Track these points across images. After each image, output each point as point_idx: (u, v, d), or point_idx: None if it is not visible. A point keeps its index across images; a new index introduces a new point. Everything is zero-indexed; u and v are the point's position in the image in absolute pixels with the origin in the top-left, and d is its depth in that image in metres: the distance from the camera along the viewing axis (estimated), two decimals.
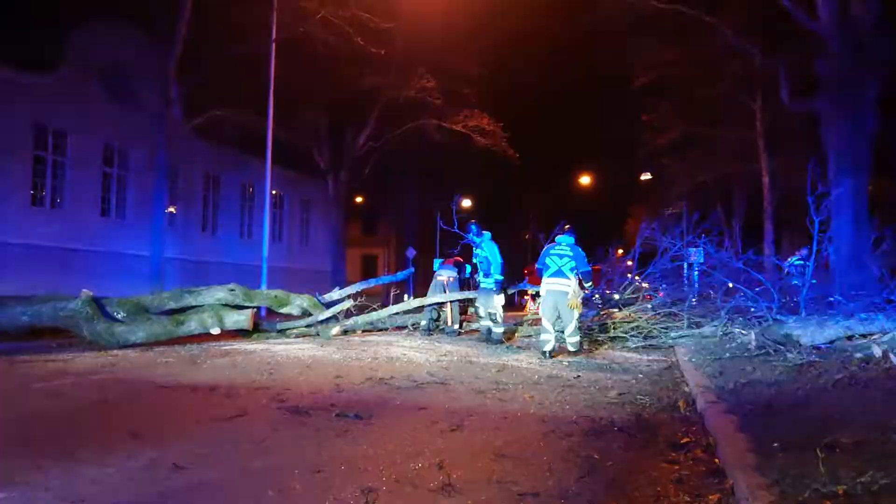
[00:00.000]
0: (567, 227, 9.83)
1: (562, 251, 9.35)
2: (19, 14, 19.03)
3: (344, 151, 29.09)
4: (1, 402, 5.17)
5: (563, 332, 9.41)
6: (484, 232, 11.48)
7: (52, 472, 3.34)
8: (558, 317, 9.33)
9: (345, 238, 31.63)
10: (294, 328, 11.77)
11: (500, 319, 11.19)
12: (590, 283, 9.92)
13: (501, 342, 10.99)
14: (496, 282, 11.02)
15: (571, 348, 9.34)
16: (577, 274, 9.27)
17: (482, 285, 11.30)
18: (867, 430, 3.84)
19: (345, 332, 11.88)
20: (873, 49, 14.23)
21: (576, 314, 9.30)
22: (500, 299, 11.10)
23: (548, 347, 9.18)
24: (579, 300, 9.38)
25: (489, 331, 11.34)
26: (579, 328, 9.48)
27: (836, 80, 14.64)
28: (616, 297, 13.14)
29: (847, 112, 14.48)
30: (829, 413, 4.45)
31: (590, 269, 9.63)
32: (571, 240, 9.55)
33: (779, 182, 25.67)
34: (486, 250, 11.17)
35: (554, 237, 9.92)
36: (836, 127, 14.70)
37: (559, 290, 9.23)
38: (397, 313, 12.90)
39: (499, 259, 11.15)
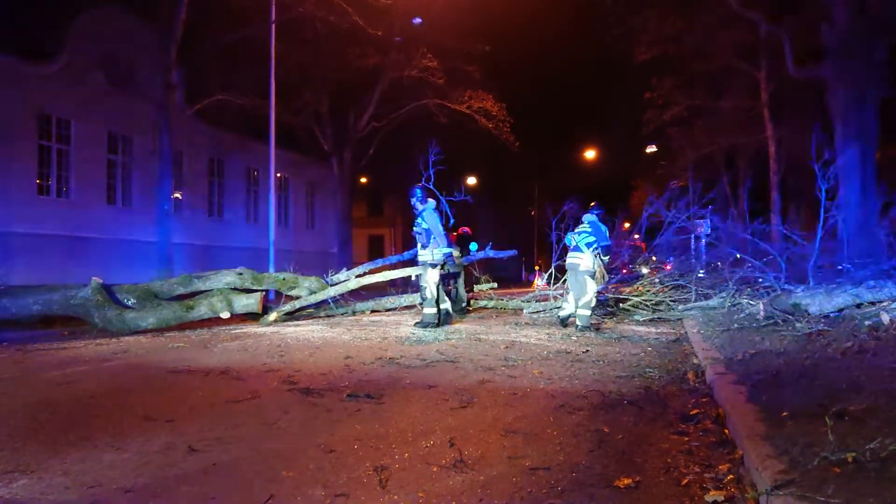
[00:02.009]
0: (592, 204, 10.17)
1: (583, 229, 9.81)
2: (20, 3, 18.96)
3: (347, 132, 29.01)
4: (16, 390, 5.23)
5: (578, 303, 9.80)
6: (429, 199, 10.25)
7: (70, 457, 3.38)
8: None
9: (350, 219, 31.65)
10: (304, 310, 11.81)
11: (429, 297, 9.93)
12: (607, 257, 10.04)
13: (435, 324, 9.81)
14: (445, 255, 9.97)
15: (579, 322, 9.57)
16: (594, 248, 9.59)
17: (418, 258, 10.32)
18: (876, 397, 3.86)
19: (283, 320, 11.18)
20: (878, 14, 14.06)
21: (591, 287, 9.55)
22: (433, 275, 9.93)
23: (563, 314, 10.03)
24: (598, 272, 9.62)
25: (446, 312, 10.32)
26: (591, 305, 9.66)
27: (841, 46, 14.50)
28: (632, 266, 13.13)
29: (852, 78, 14.37)
30: (837, 381, 4.46)
31: (610, 243, 9.91)
32: (594, 217, 9.90)
33: (785, 151, 25.51)
34: (427, 220, 9.96)
35: (580, 217, 10.29)
36: (842, 93, 14.59)
37: (572, 263, 9.78)
38: (341, 294, 12.07)
39: (441, 230, 9.96)
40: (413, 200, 10.18)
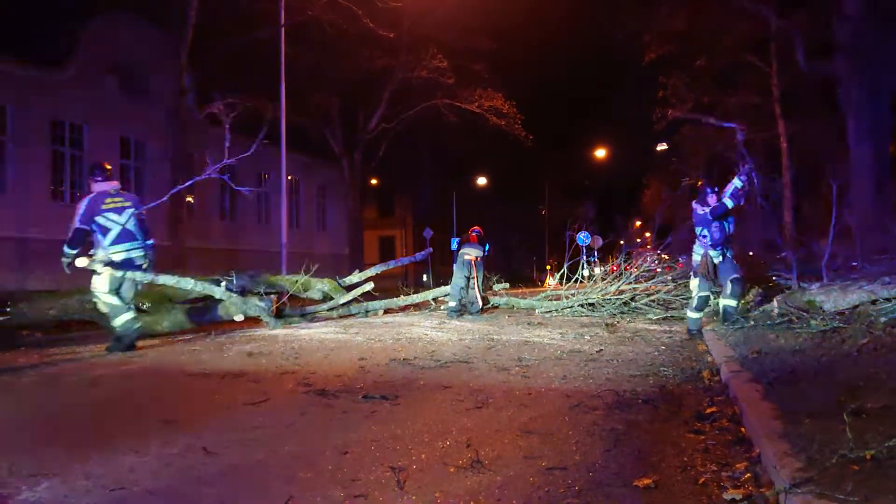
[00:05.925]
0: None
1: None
2: (32, 11, 19.14)
3: (357, 134, 29.08)
4: (36, 394, 5.29)
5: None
6: (104, 182, 7.58)
7: (91, 460, 3.42)
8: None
9: (361, 220, 31.70)
10: (317, 312, 11.85)
11: (105, 309, 7.79)
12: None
13: (128, 347, 7.60)
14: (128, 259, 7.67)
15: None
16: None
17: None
18: (893, 394, 3.84)
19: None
20: (890, 7, 13.97)
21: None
22: (101, 282, 7.65)
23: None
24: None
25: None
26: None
27: (853, 40, 14.41)
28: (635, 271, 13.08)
29: (865, 73, 14.27)
30: (854, 378, 4.44)
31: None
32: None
33: (797, 147, 25.33)
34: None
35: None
36: (855, 88, 14.50)
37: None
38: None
39: (78, 219, 7.48)
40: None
